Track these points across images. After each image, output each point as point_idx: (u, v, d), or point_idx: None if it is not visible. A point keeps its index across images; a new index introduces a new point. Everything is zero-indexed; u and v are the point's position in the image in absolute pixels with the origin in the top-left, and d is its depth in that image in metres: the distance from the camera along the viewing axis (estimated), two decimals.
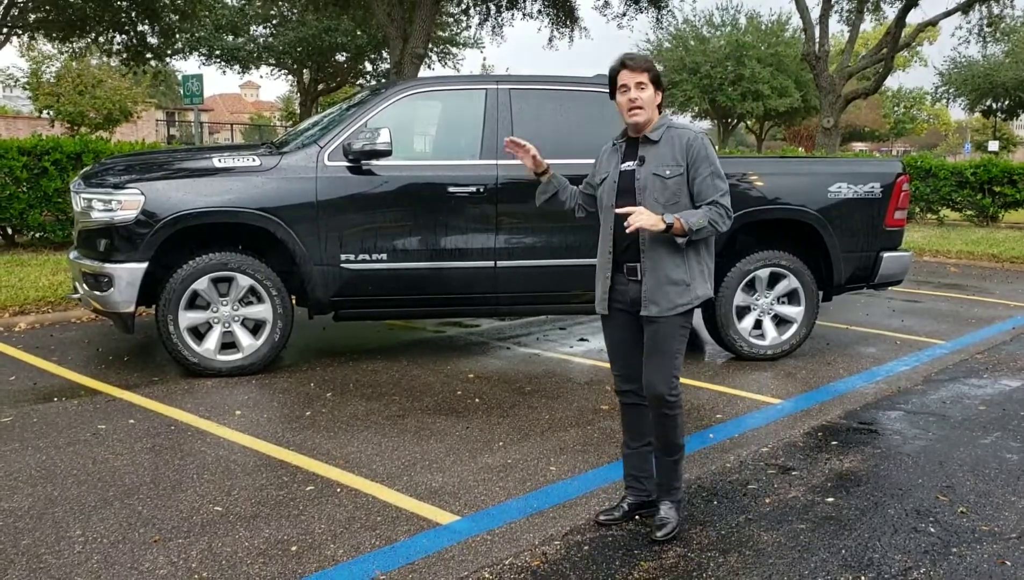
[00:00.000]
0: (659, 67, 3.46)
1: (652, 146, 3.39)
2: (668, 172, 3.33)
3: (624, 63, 3.37)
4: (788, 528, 3.55)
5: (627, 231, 3.21)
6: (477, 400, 5.24)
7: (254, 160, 5.60)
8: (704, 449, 4.47)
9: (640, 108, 3.34)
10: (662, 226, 3.19)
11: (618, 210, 3.32)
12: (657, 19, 20.35)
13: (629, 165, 3.43)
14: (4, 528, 3.41)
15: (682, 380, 5.72)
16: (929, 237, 14.72)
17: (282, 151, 5.75)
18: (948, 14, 21.43)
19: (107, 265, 5.43)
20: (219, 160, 5.61)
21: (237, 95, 69.78)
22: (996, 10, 21.88)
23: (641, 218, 3.17)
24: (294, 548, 3.29)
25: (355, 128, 5.67)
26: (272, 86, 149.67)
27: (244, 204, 5.48)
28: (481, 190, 5.77)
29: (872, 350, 6.76)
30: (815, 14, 20.88)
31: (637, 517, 3.60)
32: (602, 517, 3.57)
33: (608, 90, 3.49)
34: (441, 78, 6.69)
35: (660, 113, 3.43)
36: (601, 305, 3.54)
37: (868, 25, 29.42)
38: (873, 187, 6.37)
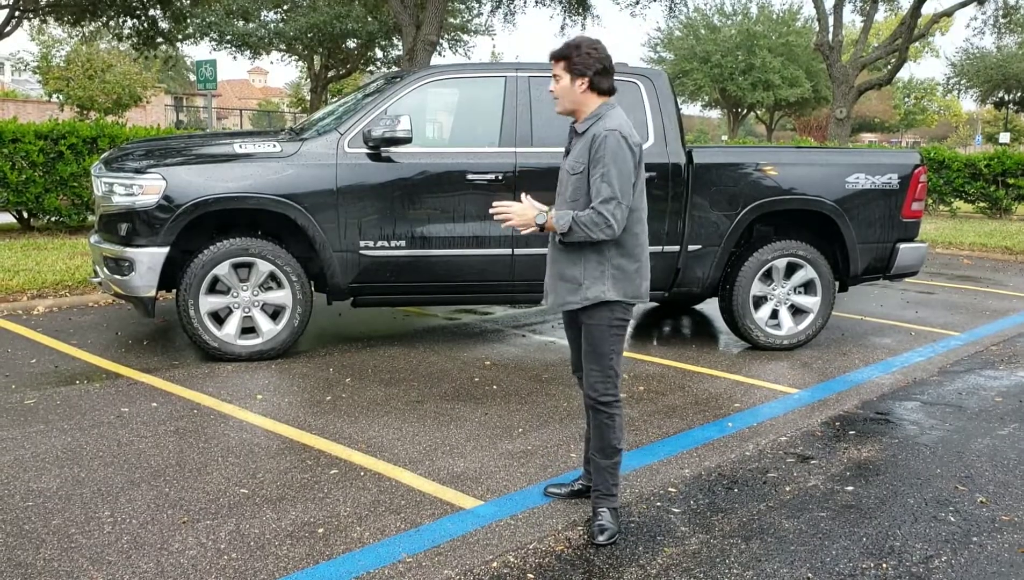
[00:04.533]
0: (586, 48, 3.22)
1: (578, 139, 3.28)
2: (579, 168, 3.21)
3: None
4: (809, 516, 3.58)
5: (502, 226, 3.24)
6: (495, 387, 5.27)
7: (274, 146, 5.62)
8: (723, 438, 4.49)
9: (556, 98, 3.28)
10: (533, 226, 3.20)
11: (495, 205, 3.29)
12: (670, 7, 20.23)
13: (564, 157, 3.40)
14: (34, 508, 3.45)
15: (699, 369, 5.86)
16: (942, 229, 14.67)
17: (302, 137, 5.77)
18: (964, 4, 21.29)
19: (128, 249, 5.47)
20: (240, 146, 5.63)
21: (245, 81, 69.74)
22: (1012, 1, 21.74)
23: (512, 218, 3.22)
24: (321, 530, 3.33)
25: (375, 115, 5.68)
26: (280, 72, 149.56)
27: (264, 190, 5.50)
28: (500, 178, 5.77)
29: (887, 341, 6.76)
30: (829, 3, 20.77)
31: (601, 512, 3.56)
32: (551, 488, 3.69)
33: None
34: (460, 65, 6.66)
35: (599, 101, 3.23)
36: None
37: (881, 15, 29.26)
38: (891, 178, 6.36)
